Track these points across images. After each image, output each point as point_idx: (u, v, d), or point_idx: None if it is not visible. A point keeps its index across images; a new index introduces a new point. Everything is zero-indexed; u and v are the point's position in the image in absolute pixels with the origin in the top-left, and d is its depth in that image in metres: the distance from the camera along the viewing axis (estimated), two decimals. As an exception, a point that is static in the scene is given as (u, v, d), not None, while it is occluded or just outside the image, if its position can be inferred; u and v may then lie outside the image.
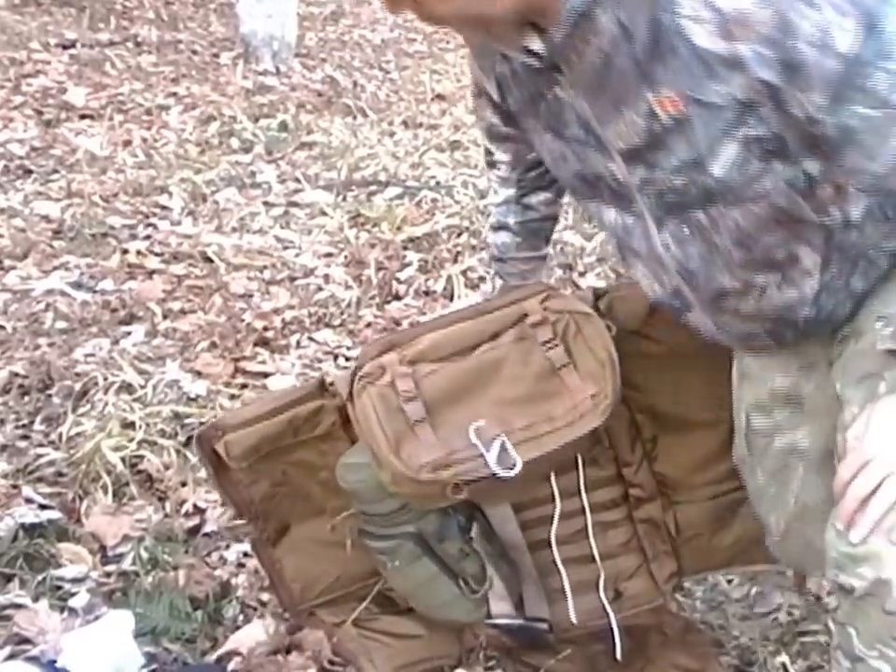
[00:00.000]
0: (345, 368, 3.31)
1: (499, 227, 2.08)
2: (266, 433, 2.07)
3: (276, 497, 2.13)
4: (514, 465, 1.84)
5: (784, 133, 1.45)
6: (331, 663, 2.11)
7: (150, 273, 3.95)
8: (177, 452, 2.79)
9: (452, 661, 2.15)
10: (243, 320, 3.58)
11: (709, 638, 2.24)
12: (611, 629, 2.18)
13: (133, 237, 4.28)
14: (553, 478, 2.16)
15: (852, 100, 1.38)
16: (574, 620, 2.20)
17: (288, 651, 2.14)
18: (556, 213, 2.09)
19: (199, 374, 3.20)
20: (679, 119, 1.48)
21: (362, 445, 1.96)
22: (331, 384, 2.07)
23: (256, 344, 3.42)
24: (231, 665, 2.09)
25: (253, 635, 2.16)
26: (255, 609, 2.27)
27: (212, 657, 2.14)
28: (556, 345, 1.95)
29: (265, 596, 2.30)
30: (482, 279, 3.90)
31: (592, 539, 2.22)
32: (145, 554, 2.41)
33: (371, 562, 2.12)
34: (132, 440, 2.79)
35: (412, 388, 1.90)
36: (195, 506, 2.61)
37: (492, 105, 1.83)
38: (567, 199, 2.09)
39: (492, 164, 2.03)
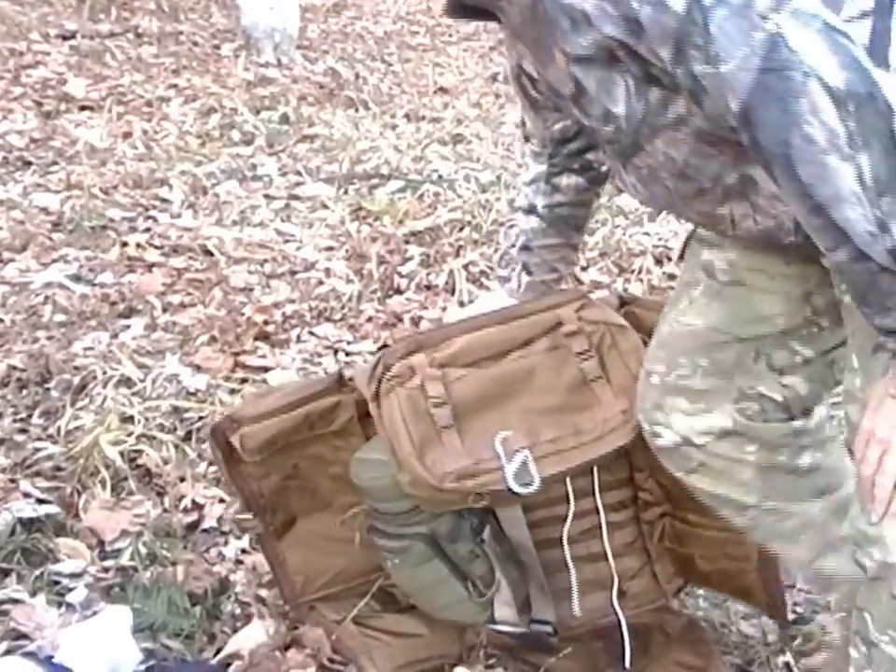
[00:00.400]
0: (346, 363, 3.31)
1: (529, 210, 2.01)
2: (282, 427, 2.07)
3: (286, 490, 2.14)
4: (532, 482, 1.83)
5: (656, 75, 1.45)
6: (331, 661, 2.11)
7: (150, 267, 3.94)
8: (176, 447, 2.79)
9: (452, 659, 2.15)
10: (243, 314, 3.57)
11: (712, 637, 2.24)
12: (620, 630, 2.17)
13: (133, 230, 4.28)
14: (567, 479, 2.16)
15: (691, 56, 1.37)
16: (578, 613, 2.20)
17: (287, 648, 2.14)
18: (587, 200, 2.01)
19: (198, 368, 3.20)
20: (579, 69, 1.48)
21: (379, 442, 1.95)
22: (350, 378, 2.06)
23: (256, 338, 3.41)
24: (231, 668, 2.08)
25: (253, 636, 2.16)
26: (252, 606, 2.27)
27: (210, 655, 2.13)
28: (590, 357, 1.94)
29: (263, 592, 2.30)
30: (483, 273, 3.90)
31: (605, 539, 2.22)
32: (143, 550, 2.41)
33: (375, 558, 2.11)
34: (130, 434, 2.79)
35: (441, 393, 1.88)
36: (194, 501, 2.61)
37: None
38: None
39: (526, 137, 1.98)
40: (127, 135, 5.46)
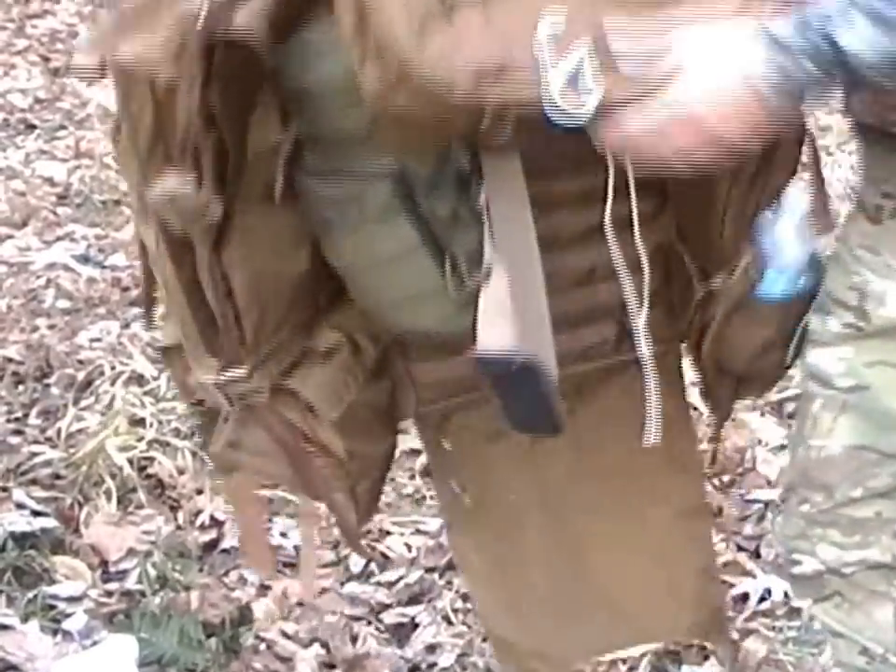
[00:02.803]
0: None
1: None
2: None
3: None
4: (591, 91, 1.28)
5: None
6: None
7: (167, 247, 3.95)
8: (193, 454, 2.79)
9: None
10: (272, 303, 3.57)
11: None
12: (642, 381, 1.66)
13: (149, 205, 4.29)
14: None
15: None
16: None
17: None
18: None
19: (220, 365, 3.20)
20: None
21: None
22: None
23: (287, 332, 3.41)
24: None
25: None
26: (277, 640, 2.27)
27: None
28: None
29: (290, 627, 2.30)
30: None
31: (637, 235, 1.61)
32: (152, 572, 2.42)
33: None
34: (141, 439, 2.79)
35: None
36: (212, 517, 2.62)
37: None
38: None
39: None
40: (145, 97, 5.48)
